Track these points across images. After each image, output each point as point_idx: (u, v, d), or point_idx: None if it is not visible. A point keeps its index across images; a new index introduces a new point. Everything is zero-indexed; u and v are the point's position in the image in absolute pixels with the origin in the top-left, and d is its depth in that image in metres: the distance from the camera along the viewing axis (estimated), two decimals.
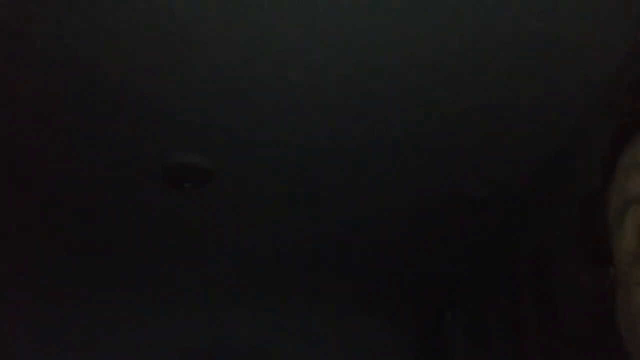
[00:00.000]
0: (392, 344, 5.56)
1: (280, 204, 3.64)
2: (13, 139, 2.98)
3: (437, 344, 4.82)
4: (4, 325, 4.79)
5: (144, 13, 2.21)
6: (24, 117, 2.82)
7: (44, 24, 2.26)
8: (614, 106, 2.39)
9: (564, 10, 2.18)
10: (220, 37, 2.34)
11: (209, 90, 2.64)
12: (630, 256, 0.60)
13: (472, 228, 3.92)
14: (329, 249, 4.29)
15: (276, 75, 2.55)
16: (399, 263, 4.54)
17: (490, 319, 3.96)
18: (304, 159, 3.17)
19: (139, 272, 4.65)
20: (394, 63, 2.47)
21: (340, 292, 5.13)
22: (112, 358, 5.10)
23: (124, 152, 3.09)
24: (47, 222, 3.85)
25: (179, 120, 2.84)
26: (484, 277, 4.16)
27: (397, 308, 5.48)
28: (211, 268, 4.59)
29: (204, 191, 3.35)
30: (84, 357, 5.00)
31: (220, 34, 2.32)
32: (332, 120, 2.87)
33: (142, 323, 5.25)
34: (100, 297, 5.09)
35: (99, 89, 2.63)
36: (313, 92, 2.66)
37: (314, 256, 4.42)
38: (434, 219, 3.82)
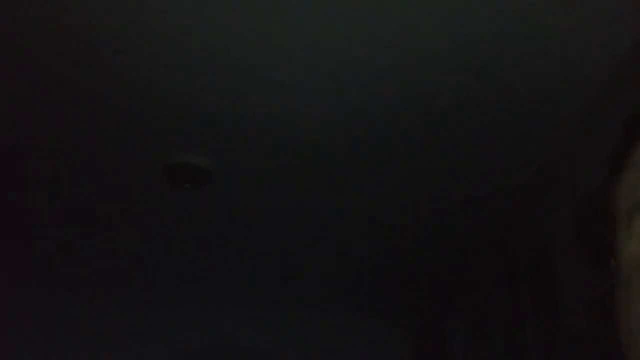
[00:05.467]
0: (392, 344, 5.56)
1: (280, 204, 3.64)
2: (13, 139, 2.98)
3: (437, 344, 4.82)
4: (5, 325, 4.78)
5: (144, 13, 2.21)
6: (24, 117, 2.82)
7: (44, 23, 2.26)
8: (621, 98, 2.38)
9: (564, 10, 2.18)
10: (221, 37, 2.34)
11: (209, 90, 2.64)
12: (634, 260, 0.59)
13: (472, 227, 3.92)
14: (328, 249, 4.28)
15: (277, 75, 2.55)
16: (399, 263, 4.54)
17: (491, 319, 3.96)
18: (304, 159, 3.17)
19: (139, 272, 4.65)
20: (394, 63, 2.47)
21: (340, 292, 5.13)
22: (111, 357, 5.10)
23: (124, 152, 3.09)
24: (47, 222, 3.85)
25: (179, 120, 2.84)
26: (484, 276, 4.16)
27: (397, 308, 5.48)
28: (211, 268, 4.59)
29: (204, 191, 3.35)
30: (83, 356, 5.00)
31: (221, 34, 2.32)
32: (332, 120, 2.87)
33: (141, 323, 5.25)
34: (99, 296, 5.09)
35: (99, 89, 2.63)
36: (314, 92, 2.66)
37: (313, 256, 4.42)
38: (434, 219, 3.82)
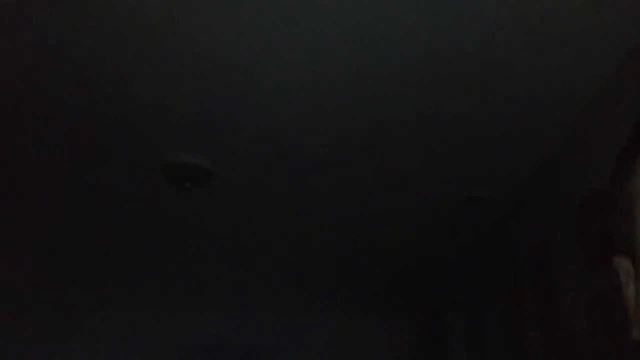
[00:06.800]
0: (392, 344, 5.57)
1: (280, 203, 3.64)
2: (14, 139, 2.98)
3: (437, 344, 4.82)
4: (6, 324, 4.79)
5: (146, 15, 2.21)
6: (25, 116, 2.82)
7: (45, 24, 2.26)
8: (621, 99, 2.38)
9: (564, 11, 2.18)
10: (221, 39, 2.34)
11: (209, 90, 2.64)
12: None
13: (473, 227, 3.92)
14: (329, 249, 4.29)
15: (276, 76, 2.55)
16: (400, 263, 4.54)
17: (491, 318, 3.96)
18: (303, 159, 3.18)
19: (139, 272, 4.65)
20: (395, 64, 2.47)
21: (341, 292, 5.13)
22: (112, 357, 5.10)
23: (125, 151, 3.09)
24: (47, 222, 3.85)
25: (179, 120, 2.84)
26: (484, 276, 4.16)
27: (397, 308, 5.48)
28: (211, 268, 4.59)
29: (204, 191, 3.36)
30: (84, 356, 5.00)
31: (221, 36, 2.32)
32: (332, 121, 2.87)
33: (142, 322, 5.25)
34: (100, 296, 5.09)
35: (100, 90, 2.63)
36: (313, 92, 2.66)
37: (314, 256, 4.42)
38: (434, 219, 3.82)
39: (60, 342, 4.98)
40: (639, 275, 0.61)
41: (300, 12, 2.22)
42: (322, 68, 2.52)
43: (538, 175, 3.22)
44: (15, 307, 4.91)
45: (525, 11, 2.19)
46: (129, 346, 5.16)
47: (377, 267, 4.57)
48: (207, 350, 5.33)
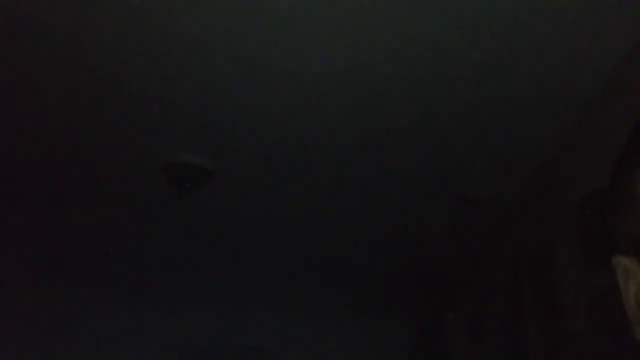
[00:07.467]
0: (392, 344, 5.57)
1: (279, 204, 3.64)
2: (15, 138, 2.98)
3: (437, 344, 4.82)
4: (6, 325, 4.79)
5: (146, 15, 2.22)
6: (25, 116, 2.82)
7: (45, 24, 2.26)
8: (621, 99, 2.38)
9: (564, 11, 2.18)
10: (221, 39, 2.34)
11: (209, 91, 2.65)
12: None
13: (473, 228, 3.92)
14: (329, 249, 4.29)
15: (277, 76, 2.56)
16: (400, 263, 4.54)
17: (491, 319, 3.97)
18: (303, 159, 3.18)
19: (139, 272, 4.65)
20: (395, 64, 2.47)
21: (341, 293, 5.13)
22: (112, 357, 5.10)
23: (125, 151, 3.10)
24: (48, 222, 3.85)
25: (180, 120, 2.85)
26: (484, 277, 4.16)
27: (397, 308, 5.49)
28: (211, 268, 4.60)
29: (204, 191, 3.36)
30: (84, 356, 5.00)
31: (222, 36, 2.32)
32: (332, 121, 2.87)
33: (142, 323, 5.25)
34: (100, 296, 5.09)
35: (100, 90, 2.63)
36: (313, 93, 2.66)
37: (314, 257, 4.42)
38: (435, 220, 3.83)
39: (60, 342, 4.98)
40: None
41: (300, 13, 2.22)
42: (322, 68, 2.52)
43: (538, 175, 3.22)
44: (15, 307, 4.91)
45: (525, 11, 2.19)
46: (129, 346, 5.16)
47: (377, 267, 4.57)
48: (207, 351, 5.33)
